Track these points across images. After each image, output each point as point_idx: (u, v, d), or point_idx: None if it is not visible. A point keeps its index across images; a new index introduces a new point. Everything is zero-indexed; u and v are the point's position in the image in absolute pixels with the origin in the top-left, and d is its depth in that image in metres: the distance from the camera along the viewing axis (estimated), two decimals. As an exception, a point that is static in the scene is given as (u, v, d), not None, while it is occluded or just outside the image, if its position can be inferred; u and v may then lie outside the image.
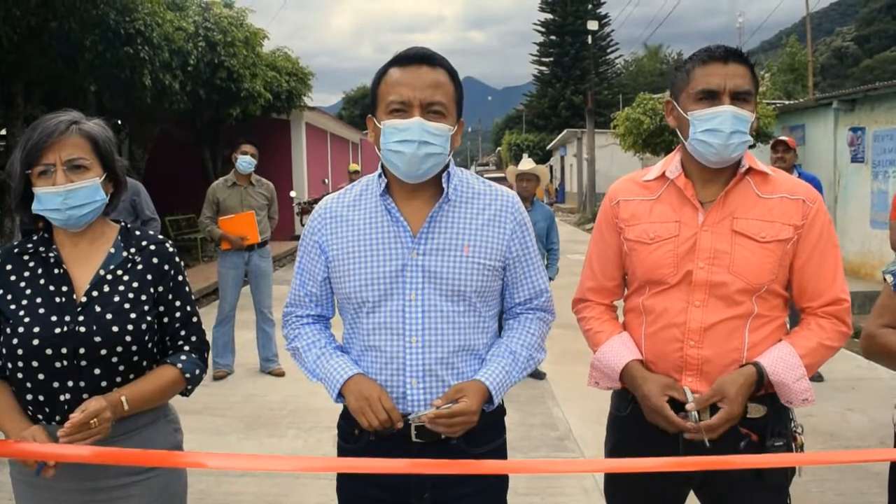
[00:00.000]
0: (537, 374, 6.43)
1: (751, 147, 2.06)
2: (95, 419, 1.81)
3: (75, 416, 1.79)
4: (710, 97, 1.96)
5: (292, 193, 16.82)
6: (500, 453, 2.07)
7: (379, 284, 1.94)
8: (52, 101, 10.64)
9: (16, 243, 2.08)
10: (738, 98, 1.96)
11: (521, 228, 2.03)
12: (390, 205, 1.97)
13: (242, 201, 6.63)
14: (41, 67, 10.35)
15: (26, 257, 2.04)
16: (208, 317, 8.72)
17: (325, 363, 2.01)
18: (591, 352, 2.24)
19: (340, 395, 1.96)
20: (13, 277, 2.02)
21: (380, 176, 2.00)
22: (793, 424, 2.08)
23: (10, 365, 1.96)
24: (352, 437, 2.02)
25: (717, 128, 1.94)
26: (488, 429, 2.01)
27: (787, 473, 2.06)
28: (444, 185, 1.96)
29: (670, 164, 2.12)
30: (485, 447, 1.99)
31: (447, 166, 1.99)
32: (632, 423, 2.13)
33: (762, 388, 1.96)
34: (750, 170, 2.04)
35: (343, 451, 2.09)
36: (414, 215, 1.97)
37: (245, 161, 6.57)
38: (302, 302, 2.13)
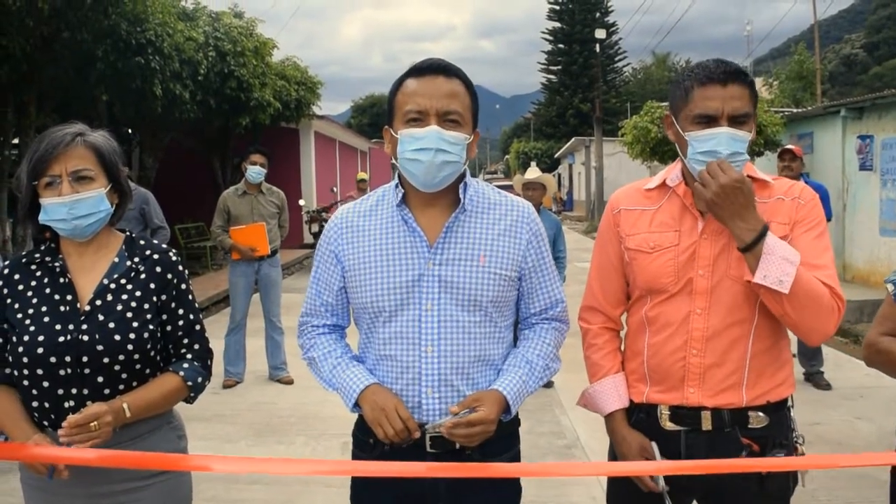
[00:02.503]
0: (546, 383, 6.43)
1: (759, 155, 2.07)
2: (95, 422, 1.83)
3: (74, 417, 1.82)
4: (708, 122, 1.95)
5: (301, 202, 16.87)
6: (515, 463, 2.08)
7: (395, 294, 1.95)
8: (63, 110, 10.75)
9: (24, 253, 2.12)
10: (735, 121, 1.95)
11: (536, 239, 2.04)
12: (407, 215, 1.98)
13: (253, 210, 6.69)
14: (53, 77, 10.44)
15: (34, 267, 2.08)
16: (217, 325, 8.80)
17: (342, 373, 2.02)
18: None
19: (357, 405, 1.97)
20: (21, 287, 2.05)
21: (396, 186, 2.02)
22: (794, 435, 2.08)
23: (16, 372, 2.00)
24: (367, 446, 2.02)
25: (714, 149, 1.93)
26: (502, 439, 2.01)
27: (790, 484, 2.06)
28: (461, 196, 1.98)
29: (671, 173, 2.13)
30: (499, 457, 2.00)
31: (463, 176, 2.00)
32: None
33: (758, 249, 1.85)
34: (748, 178, 2.03)
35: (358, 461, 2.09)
36: (430, 225, 1.98)
37: (254, 171, 6.63)
38: (318, 312, 2.13)
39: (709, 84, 1.96)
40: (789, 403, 2.09)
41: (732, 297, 1.99)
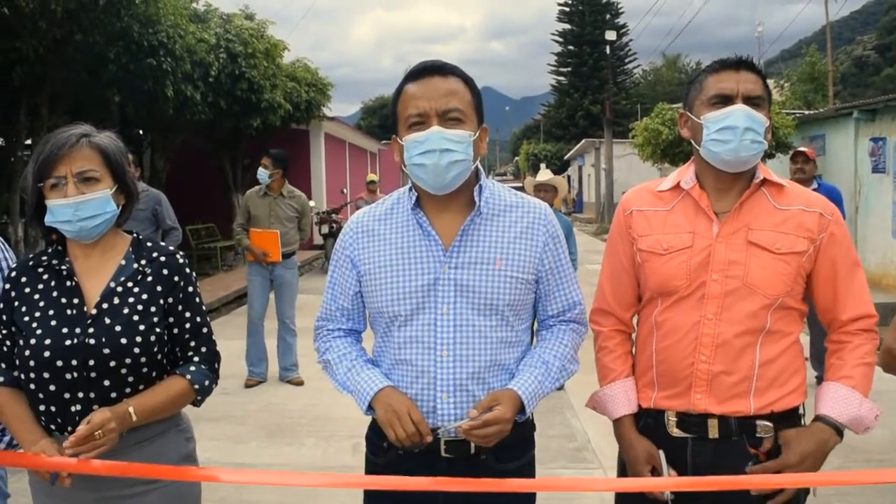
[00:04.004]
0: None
1: (770, 157, 2.06)
2: (100, 431, 1.82)
3: (80, 430, 1.81)
4: (724, 101, 1.96)
5: (311, 203, 16.94)
6: (529, 468, 2.07)
7: (411, 298, 1.94)
8: (76, 112, 10.79)
9: (31, 256, 2.12)
10: (750, 102, 1.95)
11: (553, 241, 2.02)
12: (421, 218, 1.97)
13: (271, 211, 6.75)
14: (66, 79, 10.50)
15: (41, 270, 2.07)
16: (229, 326, 8.81)
17: (356, 376, 2.01)
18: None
19: (370, 408, 1.95)
20: (28, 290, 2.05)
21: (410, 189, 2.01)
22: None
23: (23, 376, 1.99)
24: (380, 450, 2.01)
25: (730, 125, 1.93)
26: (517, 444, 2.00)
27: (800, 495, 2.02)
28: (476, 199, 1.96)
29: (685, 174, 2.10)
30: (514, 462, 1.99)
31: (478, 178, 1.99)
32: None
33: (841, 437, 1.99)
34: (765, 181, 2.02)
35: (371, 465, 2.08)
36: (445, 229, 1.97)
37: (259, 173, 6.75)
38: (333, 316, 2.13)
39: (722, 70, 2.01)
40: (801, 411, 2.05)
41: (746, 304, 1.96)
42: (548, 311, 2.09)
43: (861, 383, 1.98)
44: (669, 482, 2.00)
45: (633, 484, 2.13)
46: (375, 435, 2.03)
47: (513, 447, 1.97)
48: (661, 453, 2.03)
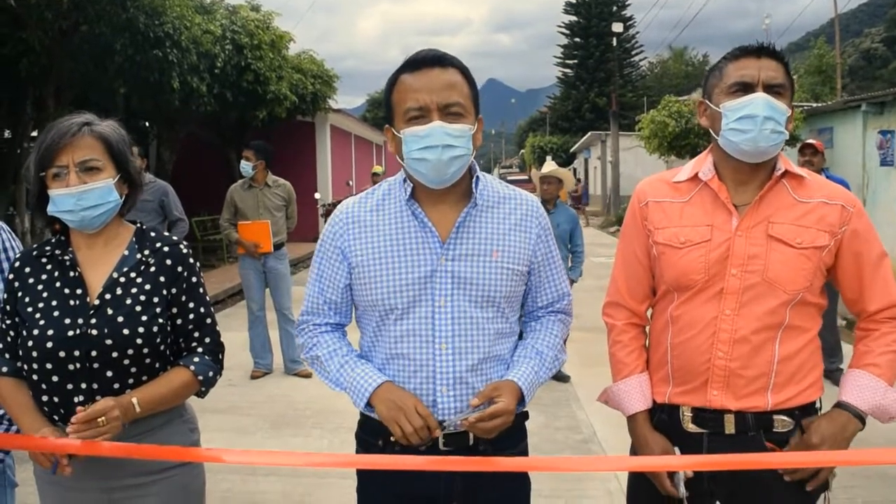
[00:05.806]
0: (562, 377, 6.41)
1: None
2: (103, 417, 1.81)
3: (80, 414, 1.80)
4: (744, 89, 1.91)
5: (317, 195, 16.90)
6: (523, 456, 2.07)
7: (408, 291, 1.91)
8: (81, 103, 10.81)
9: (35, 246, 2.11)
10: (771, 90, 1.89)
11: (545, 233, 2.02)
12: (417, 210, 1.94)
13: (258, 203, 6.74)
14: (72, 70, 10.52)
15: (44, 260, 2.06)
16: (234, 317, 8.81)
17: (350, 372, 1.96)
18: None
19: (368, 405, 1.92)
20: (31, 280, 2.04)
21: (404, 181, 1.97)
22: None
23: (25, 366, 1.98)
24: (375, 448, 1.97)
25: (749, 114, 1.87)
26: (513, 433, 1.99)
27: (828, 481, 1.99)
28: (473, 191, 1.94)
29: (702, 165, 2.05)
30: (509, 451, 1.98)
31: (473, 171, 1.96)
32: None
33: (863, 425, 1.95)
34: (786, 173, 1.97)
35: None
36: (441, 220, 1.94)
37: (243, 166, 6.74)
38: (320, 310, 2.06)
39: (742, 57, 1.95)
40: (818, 405, 2.02)
41: (765, 300, 1.92)
42: (537, 302, 2.09)
43: (887, 371, 1.95)
44: (677, 460, 1.98)
45: (635, 462, 2.10)
46: (367, 433, 2.01)
47: (509, 437, 1.96)
48: (678, 451, 2.01)
